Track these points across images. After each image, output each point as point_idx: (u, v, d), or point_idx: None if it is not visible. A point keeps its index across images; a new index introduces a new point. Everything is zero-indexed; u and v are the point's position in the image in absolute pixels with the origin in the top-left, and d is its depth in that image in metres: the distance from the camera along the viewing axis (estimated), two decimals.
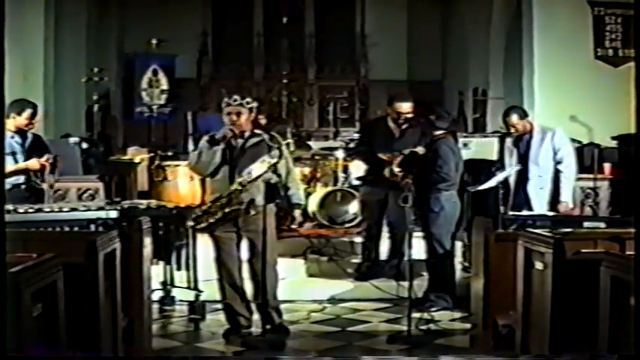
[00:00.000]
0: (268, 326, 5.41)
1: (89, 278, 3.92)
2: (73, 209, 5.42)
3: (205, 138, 5.51)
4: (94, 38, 13.25)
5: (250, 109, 5.47)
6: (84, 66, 12.25)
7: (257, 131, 5.55)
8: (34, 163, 6.14)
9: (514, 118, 6.66)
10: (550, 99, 7.70)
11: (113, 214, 5.34)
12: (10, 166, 5.97)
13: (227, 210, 5.35)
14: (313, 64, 15.82)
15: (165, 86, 13.89)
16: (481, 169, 7.33)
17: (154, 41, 12.83)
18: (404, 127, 6.83)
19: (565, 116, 8.86)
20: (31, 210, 5.33)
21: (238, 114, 5.43)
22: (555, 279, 4.02)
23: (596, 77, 9.42)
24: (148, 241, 4.90)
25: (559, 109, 8.76)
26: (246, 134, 5.48)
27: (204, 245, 6.09)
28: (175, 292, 6.34)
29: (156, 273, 5.77)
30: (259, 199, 5.33)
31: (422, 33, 15.72)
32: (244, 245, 5.54)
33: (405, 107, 6.81)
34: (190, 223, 5.53)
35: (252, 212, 5.31)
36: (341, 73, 15.78)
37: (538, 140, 6.66)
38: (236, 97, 5.51)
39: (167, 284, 6.28)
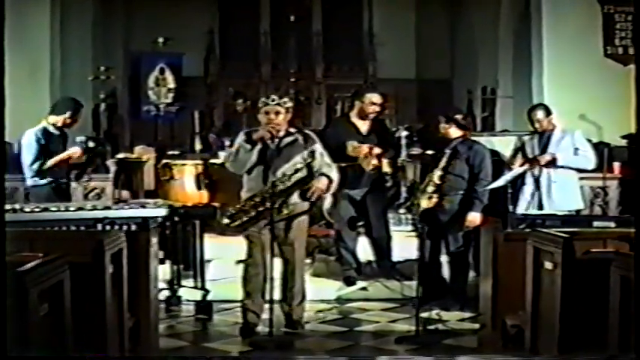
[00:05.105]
0: (283, 328, 5.43)
1: (96, 278, 3.91)
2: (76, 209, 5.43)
3: (242, 137, 5.54)
4: (100, 36, 13.24)
5: (287, 109, 5.52)
6: (90, 64, 12.23)
7: (292, 130, 5.60)
8: (76, 151, 6.25)
9: (540, 114, 6.75)
10: (559, 97, 7.64)
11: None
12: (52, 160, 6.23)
13: (260, 209, 5.37)
14: (321, 63, 15.75)
15: (172, 85, 13.86)
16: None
17: (160, 40, 12.78)
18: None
19: (574, 115, 8.80)
20: (37, 210, 5.32)
21: (277, 113, 5.47)
22: (565, 279, 4.01)
23: (606, 75, 9.36)
24: (154, 241, 4.88)
25: (568, 107, 8.67)
26: (281, 134, 5.52)
27: (212, 245, 6.08)
28: (182, 292, 6.32)
29: (163, 272, 5.76)
30: (292, 199, 5.42)
31: (430, 31, 15.64)
32: (276, 245, 5.51)
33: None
34: (225, 221, 5.52)
35: (285, 212, 5.36)
36: (349, 72, 15.69)
37: (558, 138, 6.72)
38: (274, 97, 5.57)
39: (174, 284, 6.27)
